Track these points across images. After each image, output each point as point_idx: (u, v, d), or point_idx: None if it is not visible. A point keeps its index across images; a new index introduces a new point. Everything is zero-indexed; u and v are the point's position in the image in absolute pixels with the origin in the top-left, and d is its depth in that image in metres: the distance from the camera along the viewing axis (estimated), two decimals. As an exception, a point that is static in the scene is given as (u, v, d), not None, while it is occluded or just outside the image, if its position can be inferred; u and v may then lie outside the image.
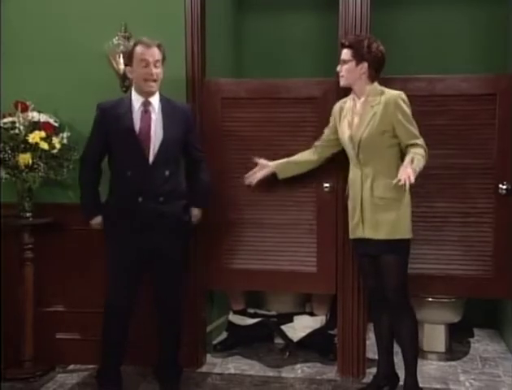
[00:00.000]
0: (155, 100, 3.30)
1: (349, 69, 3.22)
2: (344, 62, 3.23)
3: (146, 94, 3.27)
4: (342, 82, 3.28)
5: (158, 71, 3.25)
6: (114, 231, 3.34)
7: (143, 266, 3.37)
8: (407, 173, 2.96)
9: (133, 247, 3.28)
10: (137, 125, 3.26)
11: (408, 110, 3.17)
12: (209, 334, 4.01)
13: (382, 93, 3.21)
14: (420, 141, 3.15)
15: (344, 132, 3.28)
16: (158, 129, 3.27)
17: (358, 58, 3.19)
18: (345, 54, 3.23)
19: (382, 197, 3.17)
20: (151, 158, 3.25)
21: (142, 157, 3.24)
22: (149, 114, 3.28)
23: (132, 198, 3.25)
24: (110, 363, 3.41)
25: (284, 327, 4.00)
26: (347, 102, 3.33)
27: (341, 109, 3.34)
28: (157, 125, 3.27)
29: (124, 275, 3.33)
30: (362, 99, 3.25)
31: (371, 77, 3.22)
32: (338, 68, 3.28)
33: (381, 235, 3.18)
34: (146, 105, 3.28)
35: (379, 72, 3.24)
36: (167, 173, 3.28)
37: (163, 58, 3.29)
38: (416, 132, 3.17)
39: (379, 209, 3.18)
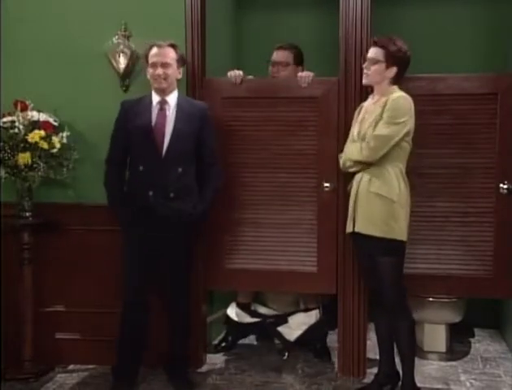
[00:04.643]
0: (172, 99, 3.37)
1: (377, 70, 3.16)
2: (374, 61, 3.16)
3: (161, 92, 3.35)
4: (366, 80, 3.23)
5: (166, 71, 3.31)
6: (128, 230, 3.39)
7: (152, 265, 3.42)
8: None
9: (146, 245, 3.34)
10: (153, 121, 3.32)
11: (395, 113, 3.08)
12: (209, 333, 4.00)
13: (392, 93, 3.17)
14: (372, 142, 3.08)
15: (355, 128, 3.28)
16: (172, 125, 3.33)
17: (390, 61, 3.14)
18: (377, 53, 3.16)
19: (377, 193, 3.14)
20: (163, 153, 3.30)
21: (155, 151, 3.28)
22: (165, 111, 3.34)
23: (142, 193, 3.29)
24: (125, 361, 3.44)
25: (280, 329, 3.97)
26: (368, 100, 3.31)
27: (361, 107, 3.33)
28: (171, 122, 3.33)
29: (139, 274, 3.38)
30: (376, 98, 3.23)
31: (395, 81, 3.19)
32: (365, 65, 3.21)
33: (372, 230, 3.15)
34: (163, 103, 3.35)
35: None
36: (179, 170, 3.31)
37: (180, 59, 3.37)
38: (381, 132, 3.07)
39: (372, 204, 3.14)
